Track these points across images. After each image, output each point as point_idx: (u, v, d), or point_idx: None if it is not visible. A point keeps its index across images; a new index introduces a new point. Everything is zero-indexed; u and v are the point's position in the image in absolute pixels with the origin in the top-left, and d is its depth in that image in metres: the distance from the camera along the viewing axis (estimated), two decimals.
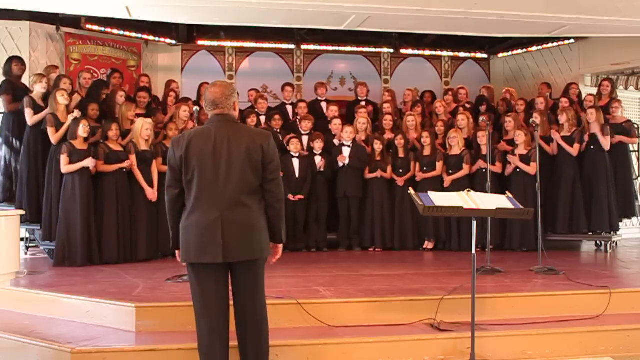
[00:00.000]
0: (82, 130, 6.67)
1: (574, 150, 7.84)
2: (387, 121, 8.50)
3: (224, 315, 3.50)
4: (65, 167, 6.63)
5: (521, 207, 4.31)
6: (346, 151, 8.02)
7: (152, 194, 7.01)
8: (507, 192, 4.60)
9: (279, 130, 8.21)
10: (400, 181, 8.02)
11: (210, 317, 3.46)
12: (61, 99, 6.90)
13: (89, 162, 6.60)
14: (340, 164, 7.98)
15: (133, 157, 6.96)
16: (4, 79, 7.53)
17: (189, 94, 9.06)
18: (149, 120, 7.23)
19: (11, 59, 7.62)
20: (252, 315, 3.51)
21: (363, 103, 9.06)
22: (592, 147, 7.86)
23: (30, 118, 7.05)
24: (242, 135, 3.46)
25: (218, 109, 3.50)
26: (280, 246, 3.64)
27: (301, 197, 7.85)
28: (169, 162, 3.50)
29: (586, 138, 7.83)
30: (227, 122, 3.49)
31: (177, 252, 3.58)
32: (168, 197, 3.50)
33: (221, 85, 3.55)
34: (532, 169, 7.48)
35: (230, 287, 3.54)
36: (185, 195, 3.45)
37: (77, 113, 6.95)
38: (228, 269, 3.50)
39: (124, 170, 6.92)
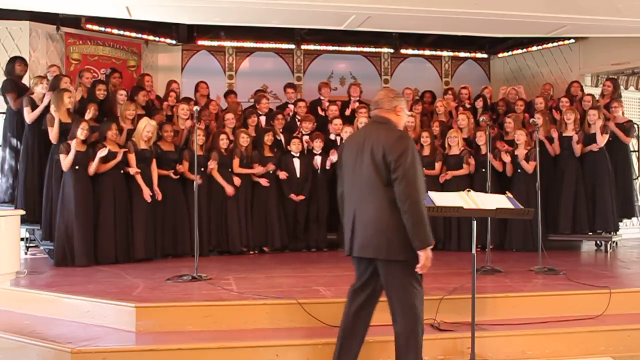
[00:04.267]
0: (81, 133, 6.64)
1: (603, 139, 7.76)
2: None
3: (357, 307, 3.73)
4: (66, 164, 6.64)
5: (521, 207, 4.31)
6: None
7: (148, 194, 6.99)
8: (507, 192, 4.60)
9: (281, 130, 8.22)
10: None
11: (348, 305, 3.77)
12: (67, 99, 6.90)
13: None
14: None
15: (132, 156, 6.95)
16: (4, 78, 7.52)
17: (189, 94, 9.02)
18: (153, 122, 7.18)
19: (14, 59, 7.61)
20: (393, 315, 3.61)
21: (357, 104, 9.02)
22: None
23: (29, 115, 7.05)
24: (374, 135, 3.61)
25: (377, 110, 3.76)
26: (421, 252, 3.47)
27: (302, 197, 7.86)
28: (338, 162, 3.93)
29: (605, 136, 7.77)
30: (375, 123, 3.75)
31: None
32: (338, 194, 3.90)
33: (388, 89, 3.95)
34: (531, 167, 7.49)
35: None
36: None
37: (88, 115, 7.08)
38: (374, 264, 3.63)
39: (122, 172, 6.91)
